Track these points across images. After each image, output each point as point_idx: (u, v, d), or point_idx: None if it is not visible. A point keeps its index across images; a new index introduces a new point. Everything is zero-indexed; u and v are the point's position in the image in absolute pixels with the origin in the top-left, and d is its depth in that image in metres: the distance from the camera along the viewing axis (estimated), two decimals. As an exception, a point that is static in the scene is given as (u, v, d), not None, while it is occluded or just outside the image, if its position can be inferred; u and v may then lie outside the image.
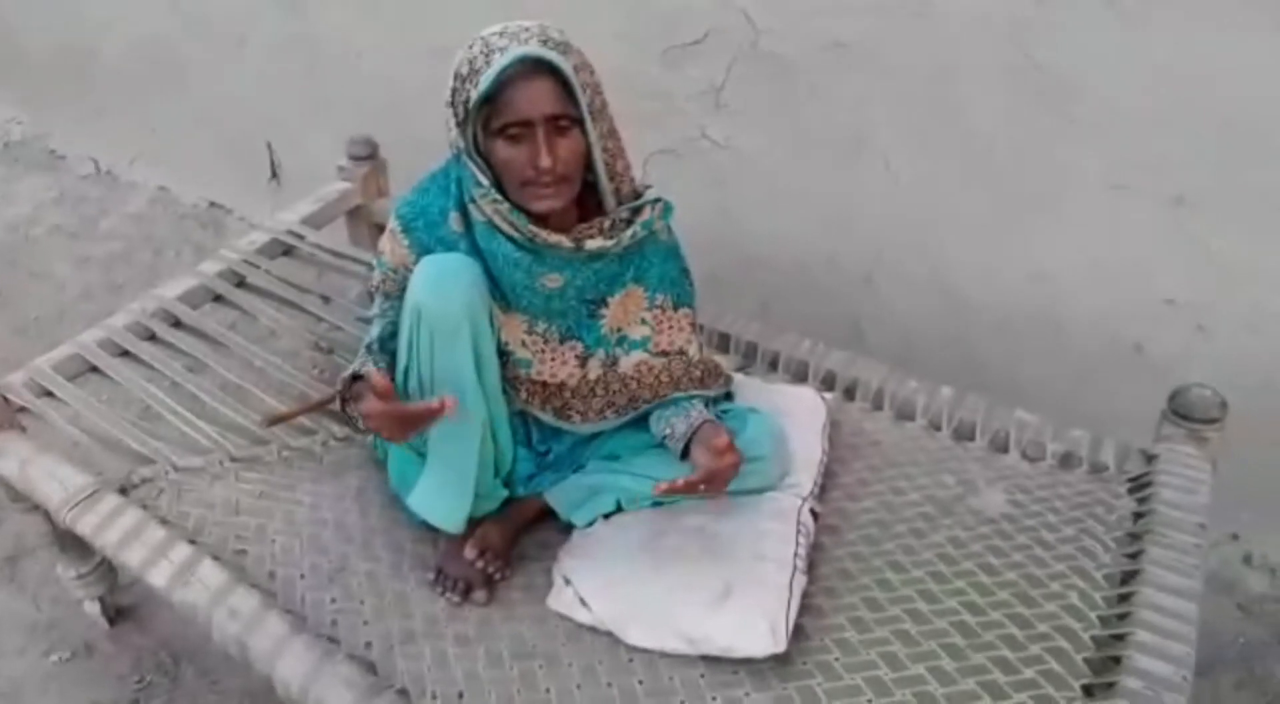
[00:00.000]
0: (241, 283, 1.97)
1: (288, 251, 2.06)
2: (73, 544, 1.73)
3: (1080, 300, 1.86)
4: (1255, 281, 1.70)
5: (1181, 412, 1.50)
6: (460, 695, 1.24)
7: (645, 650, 1.31)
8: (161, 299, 1.89)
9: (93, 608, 1.84)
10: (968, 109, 1.79)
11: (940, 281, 1.97)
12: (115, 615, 1.88)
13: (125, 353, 1.79)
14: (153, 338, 1.83)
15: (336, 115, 2.65)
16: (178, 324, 1.86)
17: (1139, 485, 1.47)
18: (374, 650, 1.30)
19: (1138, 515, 1.42)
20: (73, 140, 3.49)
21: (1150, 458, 1.50)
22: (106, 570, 1.81)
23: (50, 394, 1.69)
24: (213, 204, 3.15)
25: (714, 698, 1.25)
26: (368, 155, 2.16)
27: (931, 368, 1.91)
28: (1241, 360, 1.76)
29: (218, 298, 1.94)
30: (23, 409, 1.66)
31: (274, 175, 2.95)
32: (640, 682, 1.27)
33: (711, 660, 1.28)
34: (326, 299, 1.96)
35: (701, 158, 2.12)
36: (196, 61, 2.92)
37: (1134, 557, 1.34)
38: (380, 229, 2.18)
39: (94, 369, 1.75)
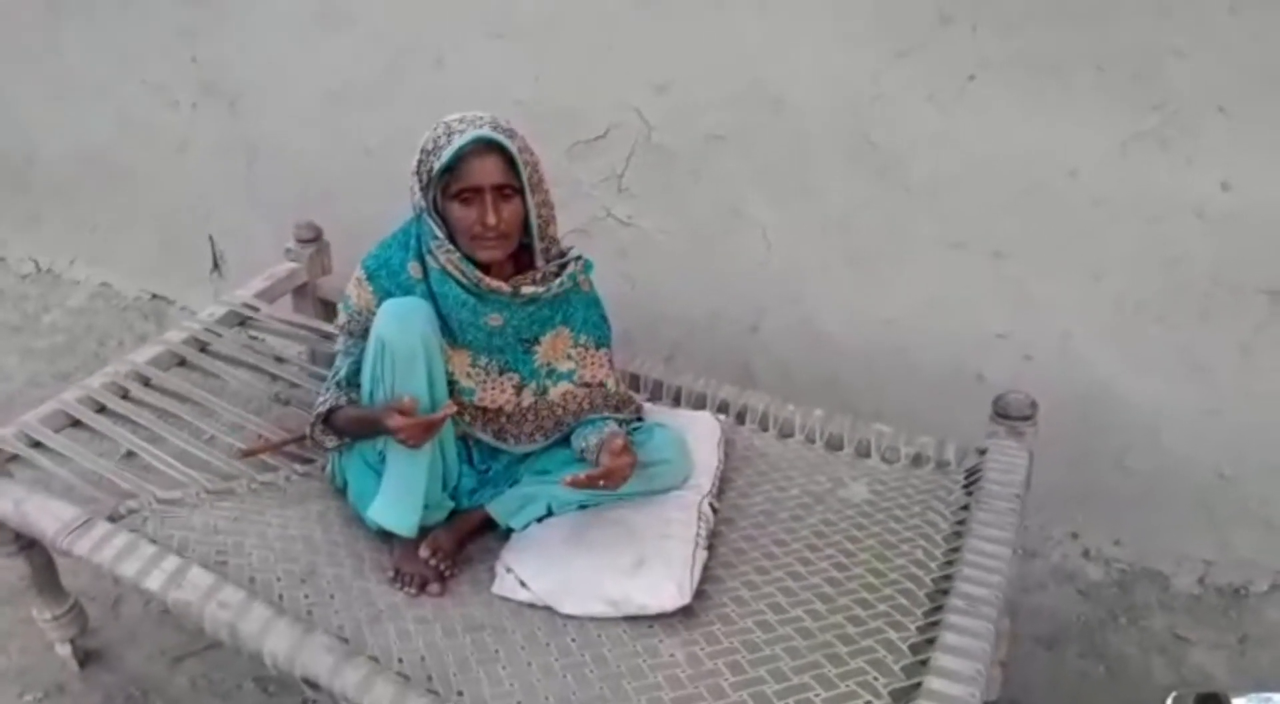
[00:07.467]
0: (204, 348, 2.21)
1: (243, 322, 2.31)
2: (49, 587, 1.91)
3: (927, 338, 2.23)
4: (1064, 315, 2.09)
5: (1002, 412, 1.85)
6: (423, 659, 1.48)
7: (576, 617, 1.57)
8: (132, 363, 2.11)
9: (64, 650, 1.99)
10: (823, 184, 2.18)
11: (812, 328, 2.33)
12: (85, 658, 2.02)
13: (103, 408, 2.00)
14: (126, 395, 2.05)
15: (275, 210, 2.89)
16: (148, 383, 2.09)
17: (973, 473, 1.81)
18: (346, 631, 1.52)
19: (969, 493, 1.76)
20: (11, 242, 3.60)
21: (981, 451, 1.84)
22: (78, 614, 1.97)
23: (38, 444, 1.89)
24: (155, 296, 3.31)
25: (635, 646, 1.51)
26: (313, 238, 2.44)
27: (809, 398, 2.24)
28: (1061, 381, 2.14)
29: (183, 362, 2.17)
30: (14, 457, 1.86)
31: (215, 267, 3.17)
32: (573, 639, 1.53)
33: (631, 618, 1.55)
34: (280, 360, 2.21)
35: (608, 234, 2.46)
36: (137, 166, 3.11)
37: (964, 523, 1.67)
38: (325, 304, 2.47)
39: (76, 422, 1.96)
